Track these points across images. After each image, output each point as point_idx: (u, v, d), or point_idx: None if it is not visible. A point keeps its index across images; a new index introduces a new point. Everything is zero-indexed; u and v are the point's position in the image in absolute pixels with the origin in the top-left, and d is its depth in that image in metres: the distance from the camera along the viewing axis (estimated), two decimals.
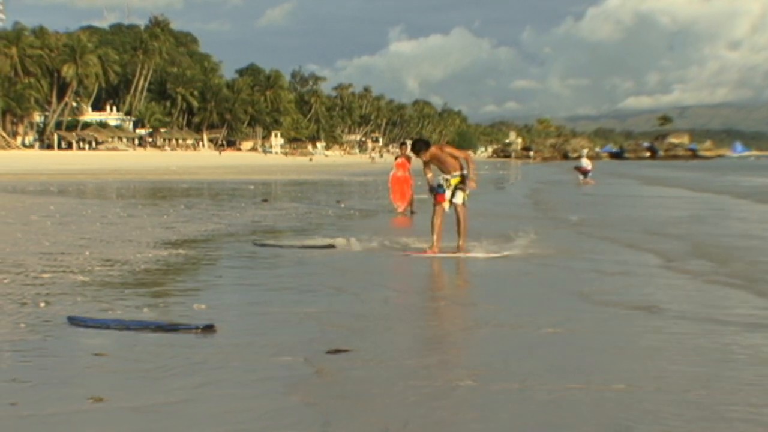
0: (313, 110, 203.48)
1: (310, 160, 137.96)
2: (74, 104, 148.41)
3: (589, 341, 8.41)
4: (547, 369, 7.18)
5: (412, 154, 16.67)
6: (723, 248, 16.55)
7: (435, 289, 12.32)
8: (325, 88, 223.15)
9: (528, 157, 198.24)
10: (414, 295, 11.64)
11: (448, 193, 15.24)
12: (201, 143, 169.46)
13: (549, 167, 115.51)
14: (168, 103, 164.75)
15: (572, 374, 7.02)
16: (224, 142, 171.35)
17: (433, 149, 15.37)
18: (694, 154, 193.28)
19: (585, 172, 53.79)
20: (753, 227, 21.95)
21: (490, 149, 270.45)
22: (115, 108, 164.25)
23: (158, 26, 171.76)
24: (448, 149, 15.56)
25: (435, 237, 15.12)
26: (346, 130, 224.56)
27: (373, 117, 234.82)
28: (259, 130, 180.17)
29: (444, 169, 15.35)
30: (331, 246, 16.16)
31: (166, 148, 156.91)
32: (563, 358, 7.62)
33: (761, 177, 63.08)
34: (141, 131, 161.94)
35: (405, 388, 6.66)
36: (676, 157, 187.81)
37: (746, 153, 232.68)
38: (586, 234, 19.51)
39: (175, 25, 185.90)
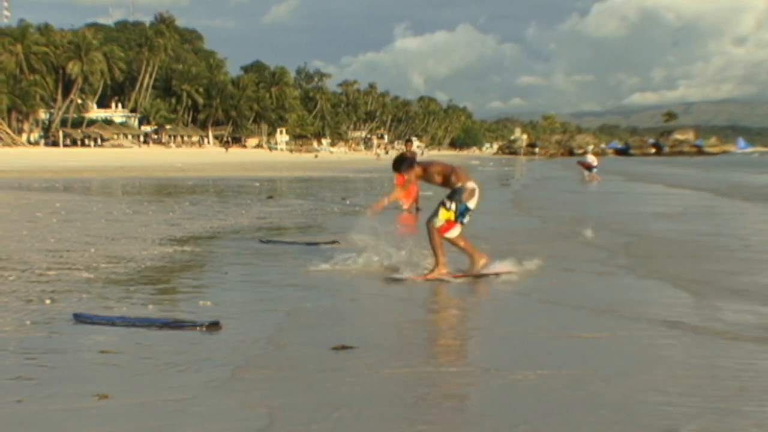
0: (318, 107, 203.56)
1: (316, 156, 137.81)
2: (79, 101, 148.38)
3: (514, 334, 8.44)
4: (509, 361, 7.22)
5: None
6: (648, 241, 16.96)
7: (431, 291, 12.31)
8: (330, 84, 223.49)
9: (533, 153, 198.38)
10: (417, 291, 11.64)
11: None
12: (206, 140, 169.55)
13: (552, 164, 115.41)
14: (173, 100, 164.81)
15: (537, 365, 7.06)
16: (229, 139, 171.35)
17: (417, 169, 12.58)
18: (699, 150, 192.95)
19: (589, 167, 53.79)
20: (700, 223, 22.05)
21: (495, 146, 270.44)
22: (120, 105, 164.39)
23: (163, 23, 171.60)
24: (434, 168, 12.58)
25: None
26: (352, 126, 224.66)
27: (378, 113, 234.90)
28: (265, 126, 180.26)
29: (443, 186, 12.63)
30: (335, 242, 16.18)
31: (172, 145, 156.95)
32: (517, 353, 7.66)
33: (751, 174, 62.84)
34: (146, 128, 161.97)
35: (408, 385, 6.69)
36: (681, 153, 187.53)
37: (750, 149, 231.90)
38: (544, 231, 19.65)
39: (180, 22, 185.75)
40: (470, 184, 12.27)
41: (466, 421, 5.91)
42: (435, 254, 12.13)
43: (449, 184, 12.31)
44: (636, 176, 57.86)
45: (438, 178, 12.41)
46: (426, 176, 12.53)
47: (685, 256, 14.95)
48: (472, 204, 12.22)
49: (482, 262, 12.29)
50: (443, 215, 12.10)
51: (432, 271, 12.04)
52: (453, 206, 12.10)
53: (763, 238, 18.36)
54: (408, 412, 6.05)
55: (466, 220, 12.24)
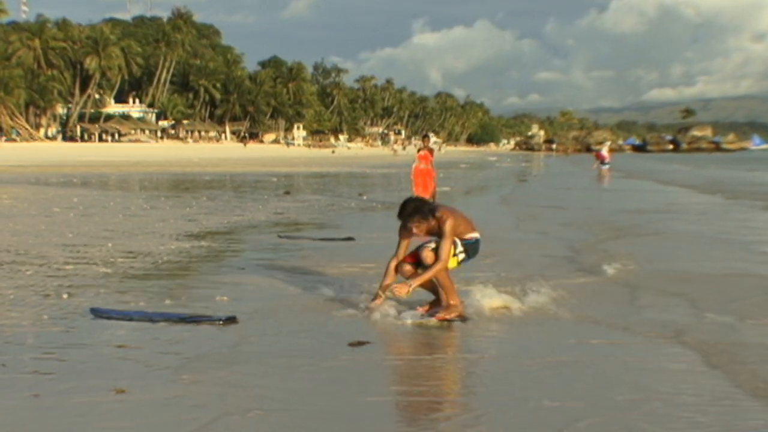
0: (335, 102, 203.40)
1: (333, 152, 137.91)
2: (97, 96, 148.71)
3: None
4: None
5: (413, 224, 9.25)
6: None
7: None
8: (348, 80, 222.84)
9: (551, 149, 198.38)
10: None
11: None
12: (223, 135, 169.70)
13: (568, 160, 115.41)
14: (190, 96, 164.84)
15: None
16: (247, 134, 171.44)
17: (432, 223, 9.31)
18: (717, 147, 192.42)
19: (603, 160, 54.68)
20: (665, 218, 22.34)
21: (512, 142, 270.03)
22: (137, 100, 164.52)
23: (181, 18, 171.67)
24: (449, 226, 9.22)
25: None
26: (369, 122, 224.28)
27: (395, 109, 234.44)
28: (282, 122, 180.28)
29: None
30: (351, 238, 16.19)
31: (189, 140, 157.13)
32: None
33: (748, 171, 63.01)
34: (164, 123, 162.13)
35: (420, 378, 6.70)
36: (699, 150, 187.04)
37: (764, 146, 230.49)
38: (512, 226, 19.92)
39: (198, 18, 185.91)
40: (478, 235, 9.62)
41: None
42: (446, 293, 9.28)
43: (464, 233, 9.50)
44: (633, 173, 57.80)
45: (462, 228, 9.44)
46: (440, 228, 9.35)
47: (627, 251, 15.02)
48: (470, 260, 9.61)
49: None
50: (452, 261, 9.31)
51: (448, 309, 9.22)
52: (461, 256, 9.38)
53: (719, 234, 18.56)
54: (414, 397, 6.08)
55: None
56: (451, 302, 9.11)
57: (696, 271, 12.67)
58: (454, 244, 9.25)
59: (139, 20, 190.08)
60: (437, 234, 9.23)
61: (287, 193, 31.83)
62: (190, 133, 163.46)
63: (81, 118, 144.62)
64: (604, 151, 56.61)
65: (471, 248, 9.45)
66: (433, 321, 9.00)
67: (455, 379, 7.14)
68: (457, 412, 6.13)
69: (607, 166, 54.48)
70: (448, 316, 9.02)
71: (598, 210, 24.93)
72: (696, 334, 8.36)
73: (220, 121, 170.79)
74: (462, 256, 9.35)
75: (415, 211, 9.24)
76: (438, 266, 8.99)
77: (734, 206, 27.01)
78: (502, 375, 6.99)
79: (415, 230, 9.27)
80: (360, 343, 7.74)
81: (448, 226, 9.16)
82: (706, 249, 15.69)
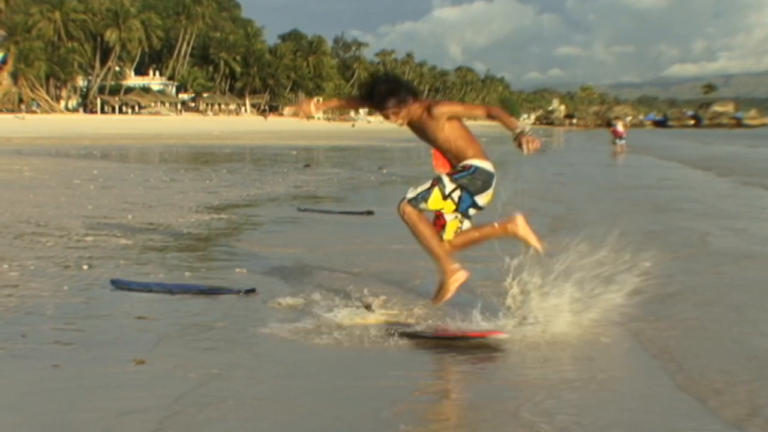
0: (355, 76, 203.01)
1: (353, 126, 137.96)
2: (117, 69, 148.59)
3: None
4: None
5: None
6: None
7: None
8: (368, 54, 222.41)
9: (571, 124, 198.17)
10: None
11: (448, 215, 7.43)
12: (243, 109, 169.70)
13: (587, 135, 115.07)
14: (210, 68, 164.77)
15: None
16: (267, 107, 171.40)
17: (414, 107, 7.34)
18: (738, 123, 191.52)
19: (620, 136, 54.86)
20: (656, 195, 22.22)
21: (533, 116, 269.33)
22: (158, 73, 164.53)
23: None
24: (447, 108, 7.36)
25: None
26: None
27: (415, 83, 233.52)
28: (302, 95, 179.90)
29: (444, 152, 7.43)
30: (371, 212, 16.16)
31: (209, 113, 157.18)
32: None
33: (752, 147, 63.00)
34: (184, 96, 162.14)
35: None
36: (720, 125, 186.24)
37: None
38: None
39: None
40: (489, 166, 7.39)
41: None
42: (434, 257, 7.48)
43: (460, 155, 7.34)
44: (640, 149, 57.65)
45: (451, 135, 7.29)
46: (425, 126, 7.33)
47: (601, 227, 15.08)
48: (483, 200, 7.43)
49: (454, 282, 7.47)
50: (436, 201, 7.27)
51: (438, 293, 7.61)
52: (456, 194, 7.28)
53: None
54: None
55: (470, 215, 7.52)
56: (447, 269, 7.37)
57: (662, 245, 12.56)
58: (441, 182, 7.24)
59: None
60: (430, 128, 7.30)
61: (307, 166, 31.86)
62: (210, 106, 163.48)
63: (101, 90, 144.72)
64: (620, 127, 56.78)
65: (471, 180, 7.29)
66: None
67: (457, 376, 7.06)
68: (457, 407, 6.12)
69: (623, 142, 54.64)
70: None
71: (590, 185, 25.03)
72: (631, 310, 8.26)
73: (240, 95, 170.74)
74: (457, 195, 7.29)
75: (388, 93, 7.33)
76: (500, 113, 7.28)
77: (723, 182, 26.91)
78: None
79: (394, 119, 7.37)
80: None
81: (444, 104, 7.52)
82: (681, 222, 15.60)
